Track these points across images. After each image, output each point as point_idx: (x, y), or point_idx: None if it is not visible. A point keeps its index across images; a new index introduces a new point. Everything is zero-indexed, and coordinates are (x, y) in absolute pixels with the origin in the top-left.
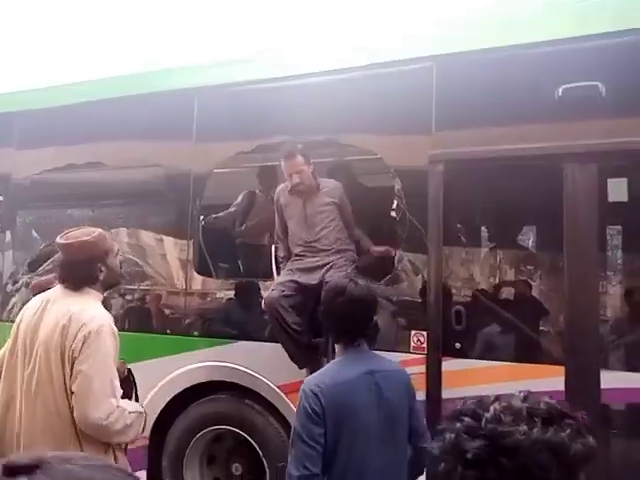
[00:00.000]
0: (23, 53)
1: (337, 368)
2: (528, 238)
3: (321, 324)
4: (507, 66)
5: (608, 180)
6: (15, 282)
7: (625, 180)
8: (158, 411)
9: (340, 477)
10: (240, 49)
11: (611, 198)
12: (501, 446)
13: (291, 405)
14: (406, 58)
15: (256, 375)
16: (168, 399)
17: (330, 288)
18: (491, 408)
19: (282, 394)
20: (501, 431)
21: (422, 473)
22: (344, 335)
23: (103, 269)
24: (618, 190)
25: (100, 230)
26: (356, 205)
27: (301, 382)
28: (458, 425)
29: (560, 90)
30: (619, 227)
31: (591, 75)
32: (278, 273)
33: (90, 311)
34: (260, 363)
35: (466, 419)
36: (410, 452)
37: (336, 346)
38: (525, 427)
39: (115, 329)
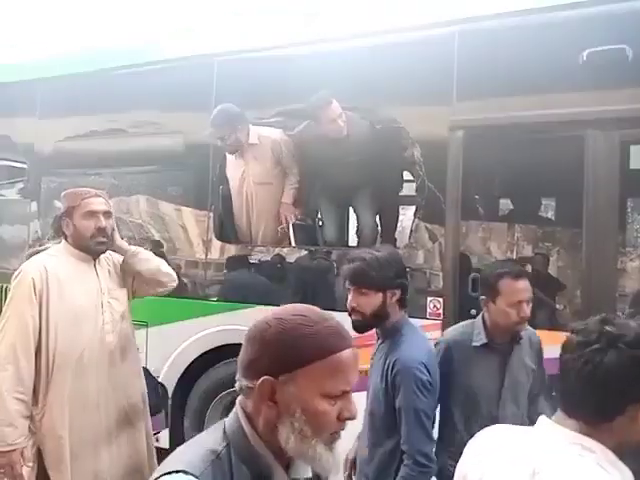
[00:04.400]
0: (44, 21)
1: (416, 337)
2: (547, 204)
3: None
4: (530, 30)
5: (631, 147)
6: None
7: None
8: (180, 373)
9: None
10: (260, 15)
11: (633, 165)
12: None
13: None
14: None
15: None
16: (190, 362)
17: (394, 252)
18: None
19: None
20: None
21: None
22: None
23: (70, 226)
24: None
25: (83, 189)
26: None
27: None
28: None
29: (585, 54)
30: None
31: (618, 38)
32: (295, 239)
33: (33, 259)
34: None
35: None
36: None
37: (395, 315)
38: None
39: (28, 275)
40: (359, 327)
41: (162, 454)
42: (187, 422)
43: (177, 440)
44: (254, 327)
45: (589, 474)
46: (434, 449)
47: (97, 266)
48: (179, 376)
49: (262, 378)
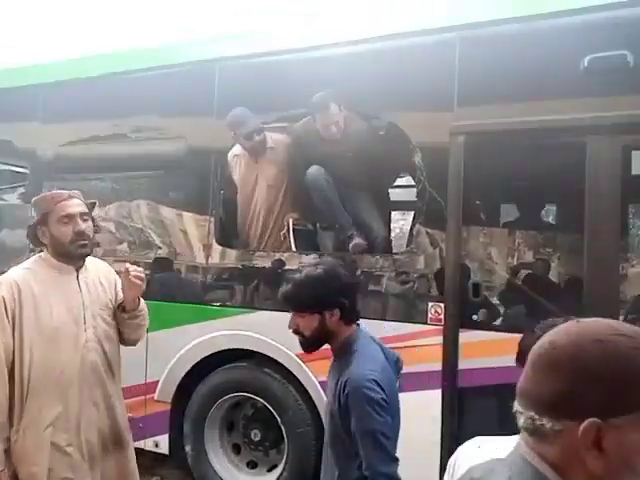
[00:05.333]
0: (47, 25)
1: (367, 353)
2: (549, 210)
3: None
4: (532, 36)
5: (633, 153)
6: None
7: None
8: (180, 378)
9: None
10: (260, 15)
11: (635, 171)
12: None
13: (309, 373)
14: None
15: (275, 344)
16: (190, 366)
17: (331, 269)
18: None
19: (300, 362)
20: None
21: None
22: (355, 314)
23: (47, 234)
24: None
25: (55, 192)
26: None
27: (320, 351)
28: None
29: (586, 60)
30: None
31: (619, 44)
32: (296, 244)
33: (6, 274)
34: (279, 332)
35: None
36: None
37: (343, 332)
38: None
39: (5, 288)
40: (305, 347)
41: (162, 460)
42: (187, 427)
43: (177, 446)
44: (551, 349)
45: None
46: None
47: (80, 278)
48: (179, 381)
49: (588, 421)
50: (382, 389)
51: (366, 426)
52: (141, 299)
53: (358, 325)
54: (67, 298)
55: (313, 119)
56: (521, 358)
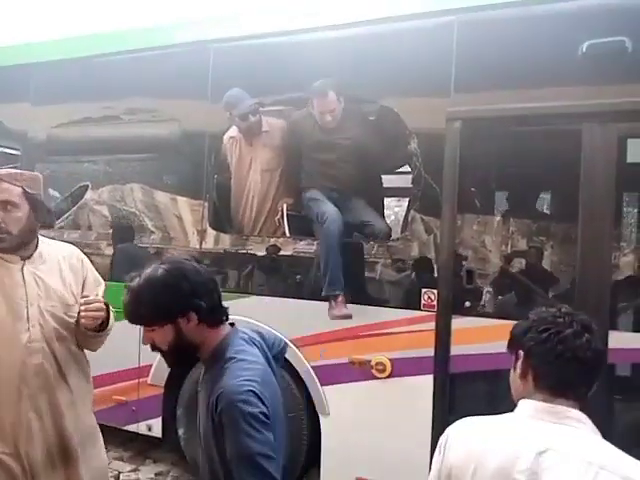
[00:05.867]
0: (39, 4)
1: (244, 357)
2: (543, 197)
3: None
4: (530, 21)
5: (628, 140)
6: None
7: None
8: None
9: None
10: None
11: (630, 159)
12: None
13: (302, 358)
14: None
15: (268, 328)
16: None
17: (174, 268)
18: None
19: (294, 347)
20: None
21: None
22: (220, 313)
23: None
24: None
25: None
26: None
27: (313, 336)
28: None
29: (584, 46)
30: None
31: (618, 30)
32: (290, 229)
33: None
34: (272, 317)
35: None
36: None
37: (210, 338)
38: None
39: None
40: (171, 364)
41: (155, 443)
42: (180, 411)
43: (170, 429)
44: None
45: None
46: None
47: (26, 269)
48: None
49: None
50: (262, 401)
51: (243, 448)
52: (111, 319)
53: (232, 324)
54: (7, 292)
55: (311, 105)
56: (512, 345)
